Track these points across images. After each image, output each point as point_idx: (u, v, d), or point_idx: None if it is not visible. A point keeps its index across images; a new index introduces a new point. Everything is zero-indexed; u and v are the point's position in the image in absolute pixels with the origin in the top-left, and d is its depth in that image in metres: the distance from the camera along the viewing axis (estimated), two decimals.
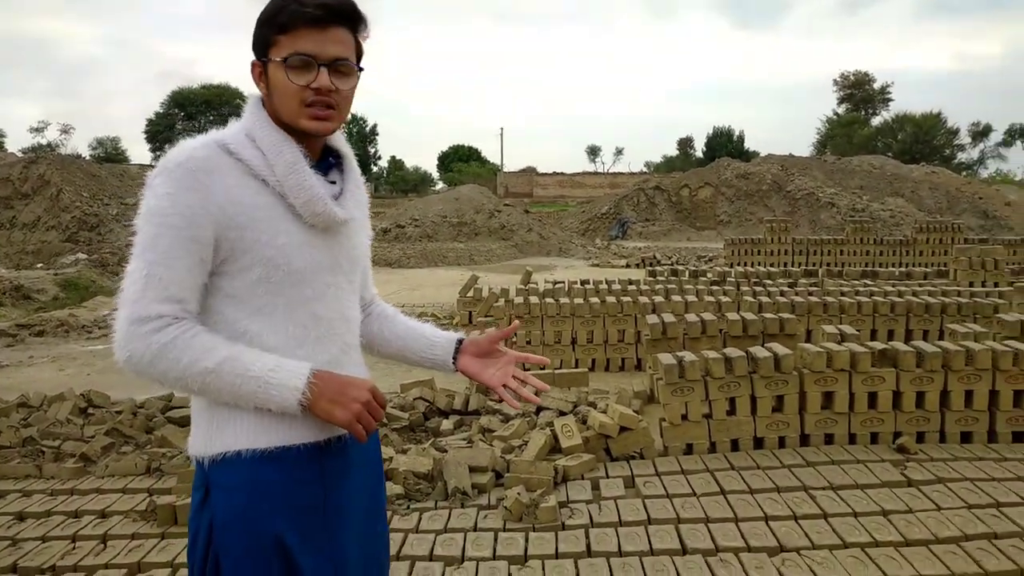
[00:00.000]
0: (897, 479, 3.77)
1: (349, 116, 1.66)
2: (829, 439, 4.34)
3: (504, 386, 1.77)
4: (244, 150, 1.50)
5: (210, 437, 1.52)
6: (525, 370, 1.96)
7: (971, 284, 9.17)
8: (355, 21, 1.56)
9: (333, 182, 1.63)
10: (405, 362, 1.89)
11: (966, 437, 4.33)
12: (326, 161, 1.65)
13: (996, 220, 27.82)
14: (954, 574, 2.86)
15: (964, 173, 52.19)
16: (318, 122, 1.53)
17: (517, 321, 1.89)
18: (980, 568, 2.88)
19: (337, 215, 1.56)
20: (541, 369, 6.60)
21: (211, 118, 60.66)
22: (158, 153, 60.58)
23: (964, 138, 68.54)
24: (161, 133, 61.21)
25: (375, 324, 1.86)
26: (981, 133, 70.27)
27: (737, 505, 3.50)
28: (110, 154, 61.19)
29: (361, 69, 1.61)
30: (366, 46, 1.63)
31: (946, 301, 7.19)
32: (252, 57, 1.58)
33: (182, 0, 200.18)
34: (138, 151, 79.76)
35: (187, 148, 1.47)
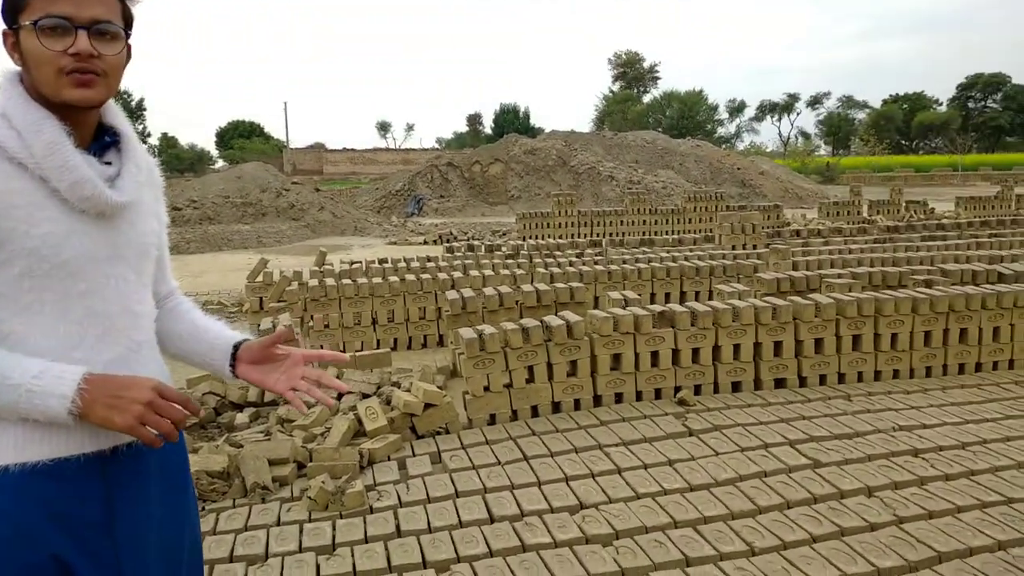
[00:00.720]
0: (680, 430, 4.08)
1: (119, 87, 1.49)
2: (619, 398, 4.61)
3: (294, 389, 1.62)
4: None
5: None
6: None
7: (733, 247, 10.11)
8: None
9: (109, 163, 1.47)
10: (191, 365, 1.74)
11: (736, 386, 4.79)
12: (101, 140, 1.48)
13: (752, 188, 30.85)
14: (732, 512, 3.15)
15: (724, 146, 57.41)
16: (81, 90, 1.37)
17: (285, 329, 1.67)
18: (754, 505, 3.20)
19: (109, 199, 1.40)
20: (341, 352, 6.44)
21: None
22: None
23: (723, 114, 75.47)
24: None
25: (165, 321, 1.69)
26: (737, 109, 77.76)
27: (539, 469, 3.63)
28: None
29: (128, 35, 1.45)
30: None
31: (713, 264, 7.88)
32: (2, 26, 1.39)
33: None
34: None
35: None
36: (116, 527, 1.43)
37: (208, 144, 75.56)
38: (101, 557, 1.40)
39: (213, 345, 1.66)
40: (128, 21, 1.46)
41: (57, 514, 1.36)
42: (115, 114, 1.53)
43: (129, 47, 1.48)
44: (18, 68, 1.41)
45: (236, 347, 1.65)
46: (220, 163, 61.11)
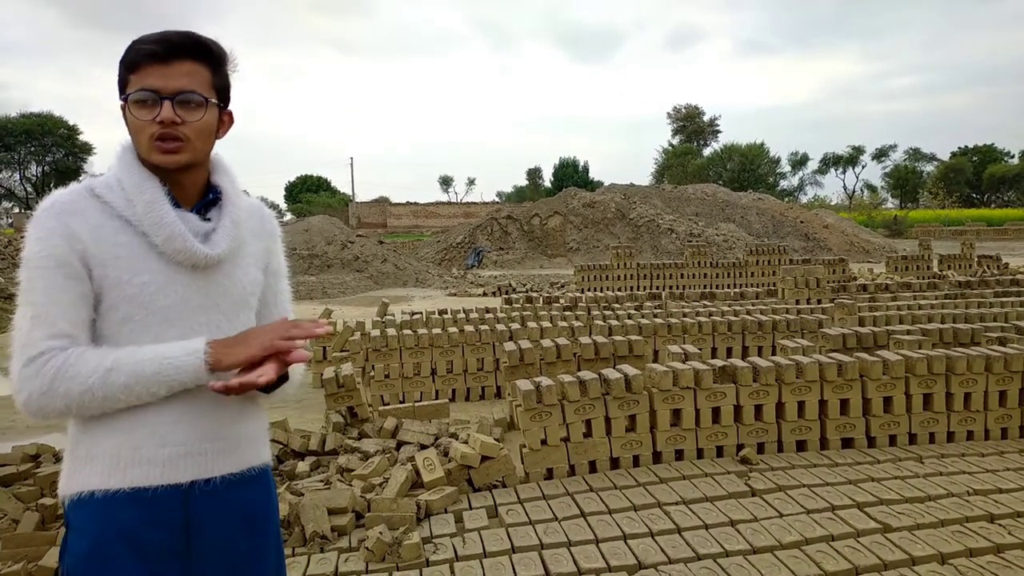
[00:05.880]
0: (742, 490, 3.98)
1: (208, 149, 1.63)
2: (679, 455, 4.53)
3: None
4: (108, 192, 1.53)
5: (69, 476, 1.52)
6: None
7: (797, 302, 9.92)
8: (205, 55, 1.57)
9: (209, 219, 1.62)
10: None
11: (801, 445, 4.66)
12: (206, 198, 1.64)
13: (816, 242, 30.31)
14: None
15: (787, 199, 56.70)
16: (166, 156, 1.53)
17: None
18: (820, 570, 3.09)
19: (199, 252, 1.54)
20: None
21: (32, 149, 55.83)
22: None
23: (785, 167, 74.75)
24: None
25: None
26: (799, 162, 76.90)
27: (597, 526, 3.58)
28: None
29: (223, 105, 1.61)
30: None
31: (776, 319, 7.73)
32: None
33: None
34: None
35: (55, 195, 1.52)
36: (192, 558, 1.53)
37: (277, 198, 78.08)
38: None
39: None
40: (221, 90, 1.61)
41: (132, 538, 1.48)
42: (222, 173, 1.68)
43: (229, 114, 1.65)
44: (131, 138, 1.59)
45: None
46: (288, 216, 63.00)
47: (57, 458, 4.69)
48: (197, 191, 1.63)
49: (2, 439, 5.87)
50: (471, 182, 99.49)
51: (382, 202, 61.51)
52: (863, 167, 78.91)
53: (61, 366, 1.42)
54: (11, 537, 3.44)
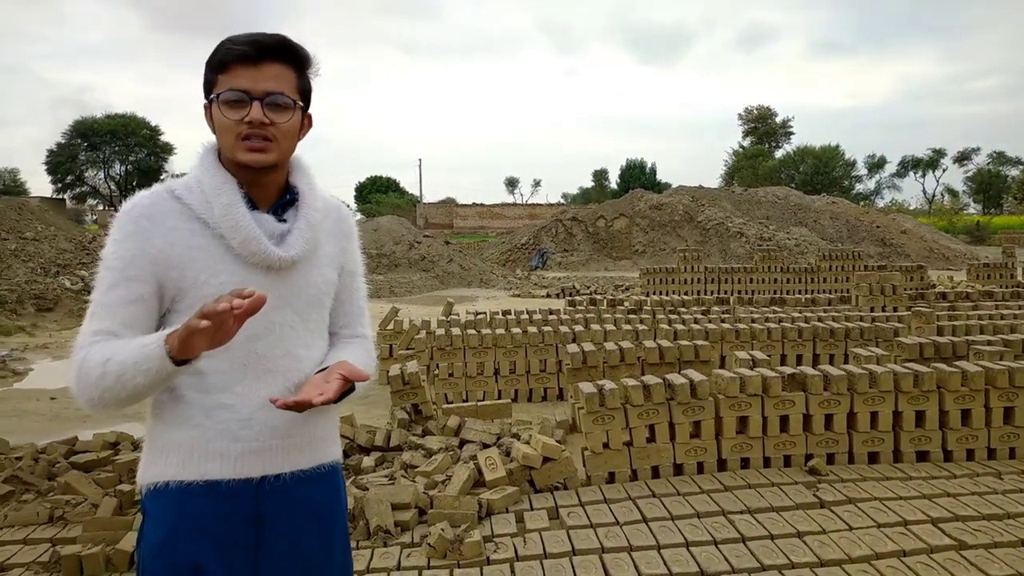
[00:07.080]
0: (810, 501, 3.88)
1: (292, 150, 1.64)
2: (745, 463, 4.44)
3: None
4: (188, 194, 1.56)
5: (146, 466, 1.58)
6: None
7: (872, 309, 9.61)
8: (293, 58, 1.59)
9: (285, 220, 1.63)
10: None
11: (873, 457, 4.51)
12: (283, 199, 1.66)
13: (893, 247, 29.35)
14: None
15: (862, 203, 54.98)
16: (253, 154, 1.56)
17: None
18: None
19: (273, 254, 1.57)
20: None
21: (116, 148, 58.13)
22: (59, 185, 58.01)
23: (861, 170, 72.45)
24: (63, 164, 57.67)
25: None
26: (876, 165, 74.44)
27: (659, 532, 3.54)
28: (8, 186, 58.14)
29: (304, 108, 1.63)
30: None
31: (849, 326, 7.51)
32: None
33: (74, 26, 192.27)
34: (38, 183, 75.97)
35: (136, 197, 1.57)
36: (263, 553, 1.57)
37: (348, 198, 79.72)
38: (239, 574, 1.55)
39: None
40: (304, 93, 1.63)
41: (203, 529, 1.53)
42: (301, 174, 1.70)
43: (309, 116, 1.67)
44: (213, 140, 1.63)
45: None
46: (358, 216, 64.26)
47: (135, 446, 4.89)
48: (275, 191, 1.65)
49: (83, 427, 6.15)
50: (536, 184, 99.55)
51: (449, 203, 62.17)
52: (944, 171, 75.91)
53: (84, 359, 1.46)
54: (91, 521, 3.60)
